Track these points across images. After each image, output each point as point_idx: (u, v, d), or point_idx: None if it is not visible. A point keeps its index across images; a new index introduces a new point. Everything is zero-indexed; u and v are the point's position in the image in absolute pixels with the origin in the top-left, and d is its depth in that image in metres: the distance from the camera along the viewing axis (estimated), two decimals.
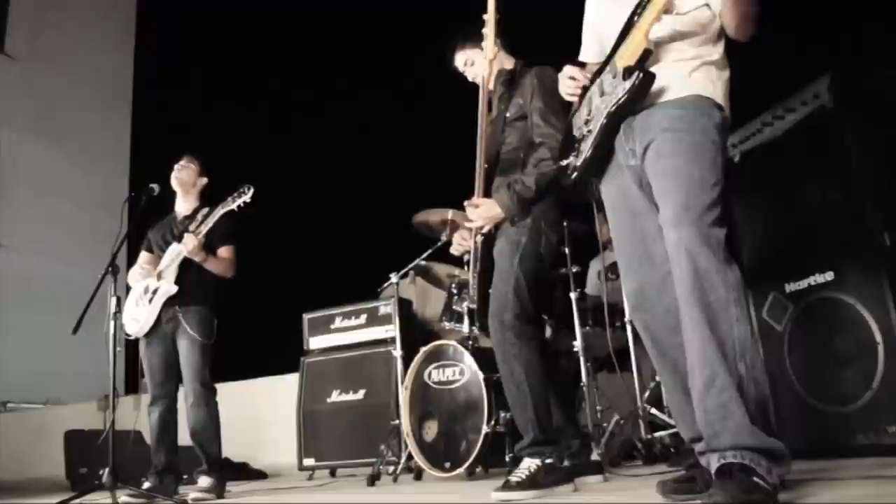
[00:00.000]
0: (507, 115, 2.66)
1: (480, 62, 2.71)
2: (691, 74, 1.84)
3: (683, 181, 1.74)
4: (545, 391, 2.47)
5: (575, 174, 1.98)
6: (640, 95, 1.81)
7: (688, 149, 1.76)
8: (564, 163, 2.02)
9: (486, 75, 2.64)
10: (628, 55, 1.84)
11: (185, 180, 3.79)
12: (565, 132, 2.12)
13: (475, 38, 2.70)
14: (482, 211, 2.57)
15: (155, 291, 3.58)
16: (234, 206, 3.50)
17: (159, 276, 3.60)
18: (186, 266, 3.57)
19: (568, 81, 2.07)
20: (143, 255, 3.82)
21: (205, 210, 3.73)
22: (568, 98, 2.10)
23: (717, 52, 1.88)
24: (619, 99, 1.82)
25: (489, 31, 2.56)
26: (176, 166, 3.81)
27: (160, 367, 3.59)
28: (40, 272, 12.43)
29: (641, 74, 1.78)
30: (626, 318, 3.69)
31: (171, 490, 3.45)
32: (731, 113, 1.89)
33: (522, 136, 2.62)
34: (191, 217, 3.75)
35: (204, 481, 3.43)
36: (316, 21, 12.38)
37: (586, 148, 1.94)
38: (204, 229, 3.52)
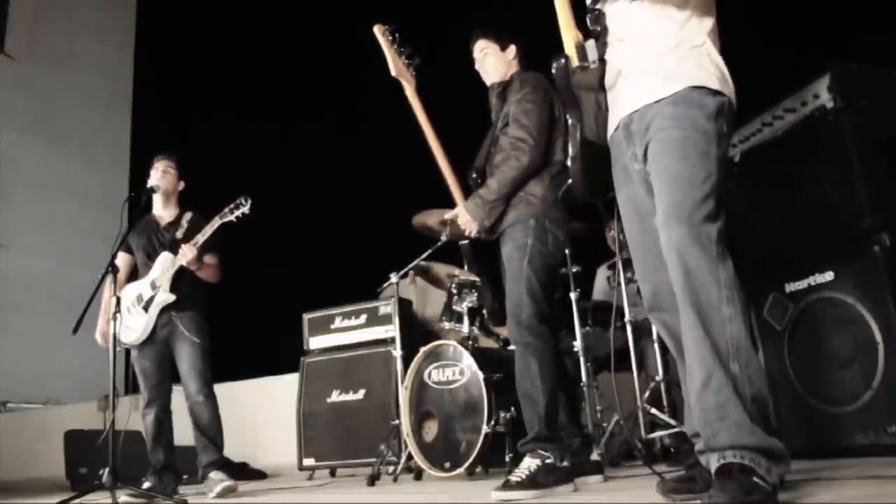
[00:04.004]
0: (499, 125, 2.73)
1: (494, 56, 2.80)
2: (680, 66, 1.80)
3: (672, 180, 1.73)
4: (557, 389, 2.51)
5: (574, 186, 2.02)
6: (563, 84, 1.90)
7: (675, 146, 1.75)
8: (570, 181, 2.05)
9: (409, 94, 2.80)
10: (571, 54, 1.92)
11: (168, 189, 3.79)
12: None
13: (497, 33, 2.82)
14: (460, 218, 2.67)
15: (150, 300, 3.60)
16: (232, 217, 3.53)
17: (153, 286, 3.61)
18: (180, 274, 3.61)
19: None
20: (122, 256, 3.74)
21: (188, 215, 3.76)
22: None
23: (702, 30, 1.84)
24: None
25: (386, 52, 2.81)
26: (158, 173, 3.77)
27: (154, 370, 3.62)
28: (40, 272, 12.43)
29: (554, 65, 1.88)
30: (627, 319, 3.70)
31: (171, 489, 3.45)
32: None
33: None
34: (175, 223, 3.76)
35: (217, 475, 3.47)
36: (317, 20, 12.38)
37: (569, 159, 1.99)
38: (201, 239, 3.54)
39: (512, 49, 2.81)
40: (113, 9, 15.25)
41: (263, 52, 13.12)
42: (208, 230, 3.55)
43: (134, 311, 3.62)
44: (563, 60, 1.88)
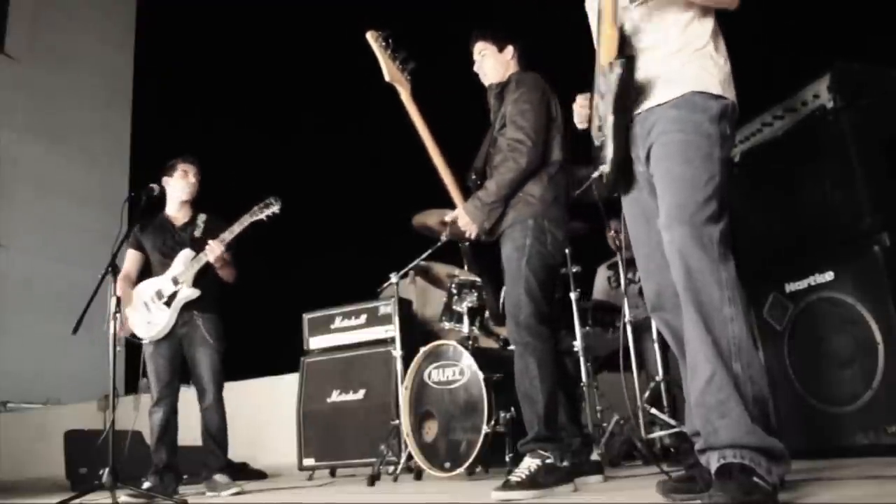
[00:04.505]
0: (497, 126, 2.73)
1: (492, 57, 2.80)
2: (683, 69, 1.81)
3: (675, 182, 1.75)
4: (556, 389, 2.51)
5: (608, 180, 1.95)
6: (629, 83, 1.80)
7: (679, 149, 1.77)
8: (596, 173, 1.99)
9: (404, 99, 2.82)
10: (605, 50, 1.83)
11: (195, 192, 3.84)
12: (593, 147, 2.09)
13: (495, 34, 2.82)
14: (460, 220, 2.67)
15: (172, 296, 3.63)
16: (262, 216, 3.58)
17: (175, 282, 3.64)
18: (202, 272, 3.64)
19: (579, 110, 2.09)
20: (132, 254, 3.79)
21: (203, 216, 3.80)
22: (581, 126, 2.11)
23: (705, 33, 1.86)
24: (614, 96, 1.81)
25: (379, 58, 2.82)
26: (190, 176, 3.81)
27: (166, 368, 3.63)
28: (40, 272, 12.43)
29: (621, 62, 1.78)
30: (627, 319, 3.70)
31: (171, 489, 3.46)
32: None
33: None
34: (191, 223, 3.79)
35: (222, 478, 3.54)
36: (318, 19, 12.39)
37: (608, 153, 1.90)
38: (229, 237, 3.57)
39: (509, 50, 2.81)
40: (113, 8, 15.24)
41: (263, 51, 13.12)
42: (237, 228, 3.58)
43: (154, 306, 3.64)
44: (626, 59, 1.82)
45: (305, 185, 11.54)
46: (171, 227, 3.79)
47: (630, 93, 1.83)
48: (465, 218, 2.65)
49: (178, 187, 3.79)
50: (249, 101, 13.21)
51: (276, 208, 3.57)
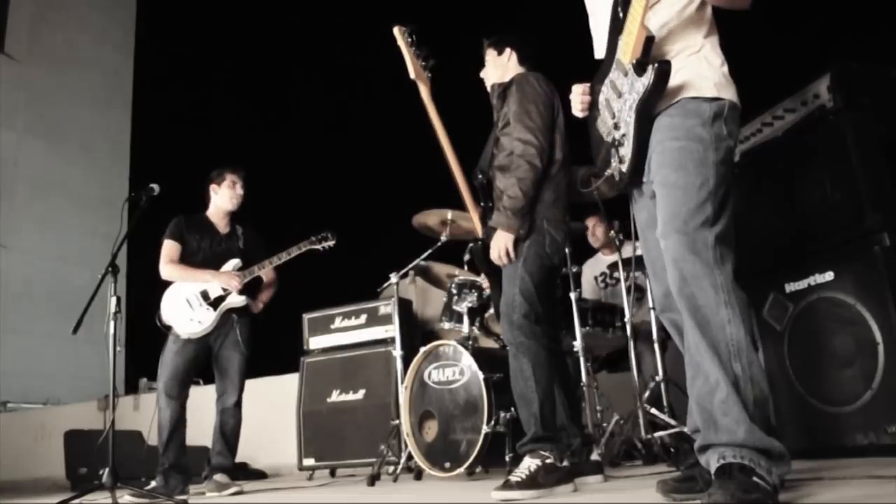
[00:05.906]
0: (500, 125, 2.73)
1: (492, 63, 2.85)
2: (676, 76, 1.79)
3: (669, 190, 1.77)
4: (551, 389, 2.51)
5: (623, 179, 1.92)
6: (661, 87, 1.75)
7: (673, 157, 1.78)
8: (608, 172, 1.96)
9: (424, 97, 2.83)
10: (631, 49, 1.77)
11: (240, 203, 3.94)
12: (594, 141, 2.07)
13: (495, 41, 2.86)
14: (497, 244, 2.57)
15: (219, 298, 3.73)
16: (318, 247, 3.89)
17: (224, 287, 3.75)
18: (248, 282, 3.81)
19: (578, 98, 2.08)
20: (174, 245, 3.82)
21: (240, 228, 3.95)
22: (580, 114, 2.10)
23: (699, 32, 1.86)
24: (642, 97, 1.76)
25: (405, 54, 2.81)
26: (237, 188, 3.91)
27: (188, 367, 3.68)
28: (40, 272, 12.41)
29: (656, 66, 1.72)
30: (626, 319, 3.70)
31: (179, 490, 3.45)
32: None
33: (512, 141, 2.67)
34: (233, 232, 3.92)
35: (222, 478, 3.60)
36: (320, 18, 12.38)
37: (628, 151, 1.87)
38: (285, 257, 3.84)
39: (507, 52, 2.83)
40: (113, 9, 15.22)
41: (263, 50, 13.12)
42: (294, 251, 3.83)
43: (197, 304, 3.70)
44: (663, 63, 1.76)
45: (306, 185, 11.54)
46: (217, 233, 3.88)
47: (659, 98, 1.78)
48: (502, 236, 2.55)
49: (226, 197, 3.89)
50: (249, 102, 13.21)
51: (331, 243, 3.89)
